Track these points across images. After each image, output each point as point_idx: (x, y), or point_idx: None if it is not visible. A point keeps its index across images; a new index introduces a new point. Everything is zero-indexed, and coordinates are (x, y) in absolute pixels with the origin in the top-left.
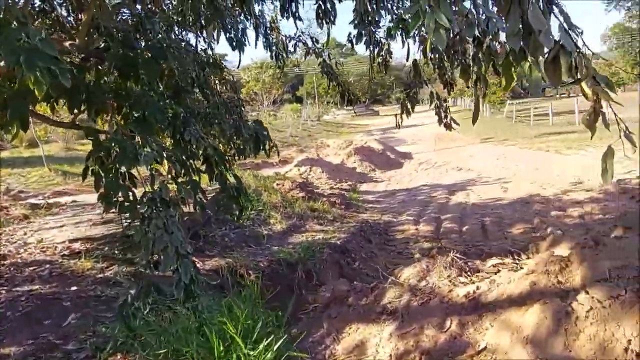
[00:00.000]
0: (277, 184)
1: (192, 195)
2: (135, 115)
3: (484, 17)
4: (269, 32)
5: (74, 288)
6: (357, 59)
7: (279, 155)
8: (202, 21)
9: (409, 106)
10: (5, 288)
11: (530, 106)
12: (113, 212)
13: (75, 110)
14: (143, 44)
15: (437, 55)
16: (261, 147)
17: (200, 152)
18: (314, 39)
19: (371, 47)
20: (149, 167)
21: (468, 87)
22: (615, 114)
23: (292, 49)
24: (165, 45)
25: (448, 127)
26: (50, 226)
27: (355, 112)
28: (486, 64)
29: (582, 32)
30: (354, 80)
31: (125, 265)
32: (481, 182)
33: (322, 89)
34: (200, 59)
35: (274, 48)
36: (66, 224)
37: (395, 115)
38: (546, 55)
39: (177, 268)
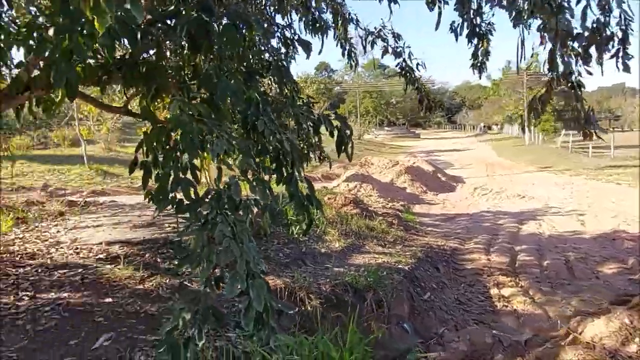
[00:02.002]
0: (329, 199)
1: (267, 197)
2: (203, 96)
3: None
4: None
5: (108, 300)
6: (400, 80)
7: (331, 166)
8: None
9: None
10: (28, 294)
11: None
12: (155, 215)
13: (131, 91)
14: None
15: None
16: (343, 149)
17: (271, 147)
18: (396, 35)
19: (474, 40)
20: (216, 158)
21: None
22: None
23: (369, 46)
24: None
25: (588, 135)
26: (86, 225)
27: (429, 125)
28: None
29: None
30: (396, 101)
31: (169, 277)
32: (551, 212)
33: (364, 108)
34: (284, 36)
35: (346, 45)
36: (104, 224)
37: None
38: None
39: (247, 290)
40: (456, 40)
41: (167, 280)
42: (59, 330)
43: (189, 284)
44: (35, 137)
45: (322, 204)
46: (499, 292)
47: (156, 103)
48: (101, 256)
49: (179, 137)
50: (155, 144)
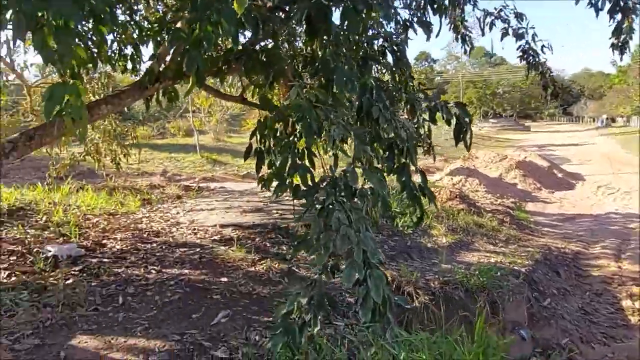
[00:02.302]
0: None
1: (383, 186)
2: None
3: None
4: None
5: (224, 279)
6: (508, 68)
7: (434, 159)
8: None
9: None
10: (155, 268)
11: None
12: (262, 201)
13: (246, 81)
14: None
15: None
16: (461, 137)
17: (385, 135)
18: (518, 15)
19: (617, 15)
20: (332, 145)
21: None
22: None
23: (487, 28)
24: None
25: None
26: (201, 208)
27: (541, 117)
28: None
29: None
30: (503, 91)
31: (278, 262)
32: None
33: (467, 98)
34: (399, 18)
35: (461, 28)
36: (217, 207)
37: None
38: None
39: (364, 280)
40: (596, 15)
41: (277, 265)
42: (182, 303)
43: (297, 270)
44: (155, 127)
45: (433, 194)
46: (633, 304)
47: (268, 92)
48: (216, 238)
49: (296, 123)
50: (269, 131)
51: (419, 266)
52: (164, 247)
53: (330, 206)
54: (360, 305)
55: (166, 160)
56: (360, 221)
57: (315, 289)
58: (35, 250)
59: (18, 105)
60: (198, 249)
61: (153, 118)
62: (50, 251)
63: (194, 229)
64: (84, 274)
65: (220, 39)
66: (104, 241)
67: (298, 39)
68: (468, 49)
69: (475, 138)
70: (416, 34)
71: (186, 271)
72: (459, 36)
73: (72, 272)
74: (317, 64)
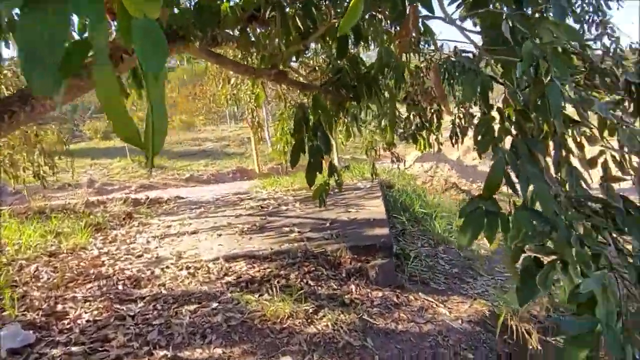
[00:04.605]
0: (424, 183)
1: None
2: None
3: None
4: None
5: None
6: None
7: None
8: None
9: None
10: (167, 354)
11: None
12: (254, 214)
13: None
14: None
15: None
16: None
17: None
18: None
19: None
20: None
21: None
22: None
23: None
24: None
25: None
26: (177, 232)
27: None
28: None
29: None
30: None
31: (340, 310)
32: None
33: None
34: None
35: None
36: (199, 229)
37: None
38: None
39: None
40: None
41: (342, 315)
42: None
43: (369, 319)
44: (62, 130)
45: None
46: None
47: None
48: (229, 279)
49: None
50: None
51: (492, 284)
52: (159, 307)
53: None
54: None
55: (89, 168)
56: None
57: None
58: None
59: None
60: (215, 304)
61: (59, 120)
62: None
63: (189, 268)
64: None
65: None
66: (60, 307)
67: None
68: None
69: None
70: None
71: (219, 351)
72: None
73: None
74: None
